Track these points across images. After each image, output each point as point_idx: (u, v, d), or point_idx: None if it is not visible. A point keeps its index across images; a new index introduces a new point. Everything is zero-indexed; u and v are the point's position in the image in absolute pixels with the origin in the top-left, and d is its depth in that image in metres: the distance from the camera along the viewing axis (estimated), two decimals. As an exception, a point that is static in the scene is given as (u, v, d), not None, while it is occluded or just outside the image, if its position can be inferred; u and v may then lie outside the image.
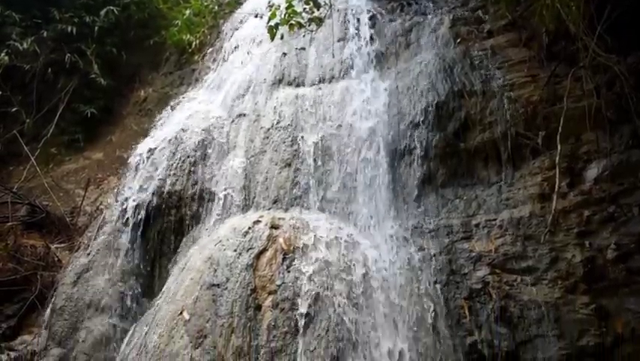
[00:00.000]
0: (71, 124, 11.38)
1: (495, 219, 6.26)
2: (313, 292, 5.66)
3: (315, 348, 5.38)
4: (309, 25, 7.24)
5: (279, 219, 6.41)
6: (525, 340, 5.67)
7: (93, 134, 11.47)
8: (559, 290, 5.75)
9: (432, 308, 5.81)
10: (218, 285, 5.83)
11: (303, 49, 8.73)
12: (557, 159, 6.08)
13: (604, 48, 6.11)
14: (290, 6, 7.12)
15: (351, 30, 8.65)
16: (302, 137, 7.27)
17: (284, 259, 5.97)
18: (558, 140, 6.12)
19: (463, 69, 7.17)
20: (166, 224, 7.32)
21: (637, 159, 5.97)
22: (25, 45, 10.79)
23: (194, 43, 11.33)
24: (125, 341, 6.76)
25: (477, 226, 6.29)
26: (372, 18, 8.85)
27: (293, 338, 5.45)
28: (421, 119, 6.87)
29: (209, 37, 11.34)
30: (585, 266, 5.75)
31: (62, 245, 8.67)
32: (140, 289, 7.16)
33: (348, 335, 5.50)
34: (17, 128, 10.74)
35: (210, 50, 10.87)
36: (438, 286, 5.98)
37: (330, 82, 8.14)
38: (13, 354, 7.05)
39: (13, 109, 10.76)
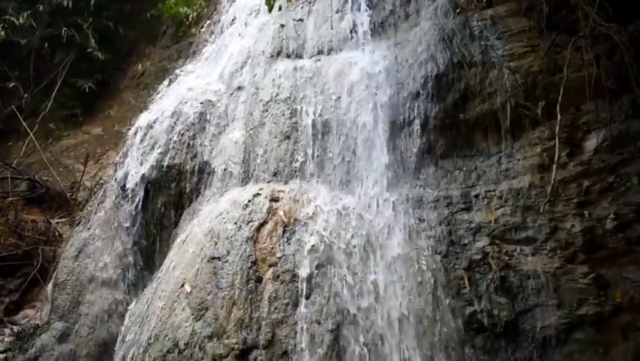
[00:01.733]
0: (69, 99, 11.35)
1: (494, 190, 6.26)
2: (314, 264, 5.70)
3: (315, 319, 5.42)
4: (307, -4, 7.19)
5: (279, 191, 6.42)
6: (524, 309, 5.71)
7: (91, 109, 11.45)
8: (558, 260, 5.77)
9: (432, 279, 5.85)
10: (219, 258, 5.86)
11: (302, 20, 8.66)
12: (557, 129, 6.05)
13: (604, 17, 6.05)
14: (288, -23, 7.06)
15: (350, 1, 8.56)
16: (301, 109, 7.24)
17: (284, 231, 5.99)
18: (558, 110, 6.08)
19: (463, 40, 7.10)
20: (166, 198, 7.32)
21: (637, 129, 5.95)
22: (21, 20, 10.72)
23: (191, 15, 11.25)
24: (128, 314, 6.83)
25: (476, 196, 6.30)
26: (370, -12, 8.77)
27: (294, 309, 5.49)
28: (421, 90, 6.82)
29: (206, 9, 11.25)
30: (584, 236, 5.76)
31: (63, 220, 8.70)
32: (141, 263, 7.20)
33: (348, 305, 5.54)
34: (15, 104, 10.72)
35: (208, 22, 10.78)
36: (438, 256, 6.00)
37: (328, 54, 8.09)
38: (16, 328, 7.10)
39: (11, 84, 10.74)
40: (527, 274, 5.79)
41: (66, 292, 7.17)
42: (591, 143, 6.11)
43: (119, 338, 6.63)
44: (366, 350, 5.41)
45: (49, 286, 7.47)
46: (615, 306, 5.52)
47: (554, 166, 5.94)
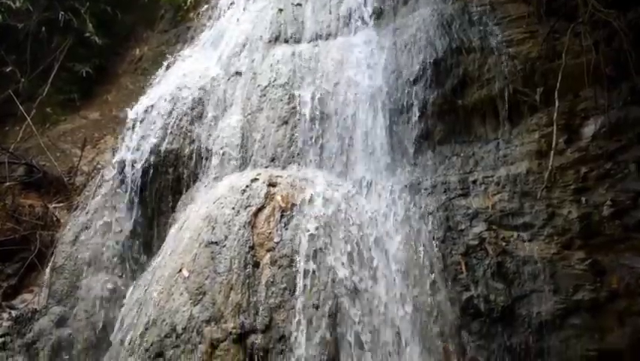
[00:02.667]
0: (67, 83, 11.30)
1: (492, 176, 6.27)
2: (311, 249, 5.70)
3: (313, 304, 5.44)
4: (306, -19, 7.16)
5: (277, 176, 6.42)
6: (521, 295, 5.74)
7: (89, 94, 11.40)
8: (555, 246, 5.79)
9: (429, 264, 5.87)
10: (216, 243, 5.86)
11: (300, 5, 8.63)
12: (555, 115, 6.05)
13: (603, 3, 6.04)
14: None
15: (348, -14, 8.53)
16: (299, 94, 7.23)
17: (282, 216, 5.99)
18: (556, 96, 6.08)
19: (462, 25, 7.08)
20: (163, 183, 7.32)
21: (635, 116, 5.95)
22: (17, 3, 10.61)
23: (189, 0, 11.19)
24: (126, 298, 6.84)
25: (474, 182, 6.31)
26: (369, -27, 8.72)
27: (291, 294, 5.50)
28: (419, 75, 6.82)
29: (204, -7, 11.20)
30: (581, 222, 5.78)
31: (60, 205, 8.68)
32: (139, 248, 7.22)
33: (345, 290, 5.56)
34: (12, 88, 10.64)
35: (206, 7, 10.73)
36: (435, 242, 6.02)
37: (327, 39, 8.07)
38: (14, 313, 7.10)
39: (8, 68, 10.66)
40: (524, 259, 5.82)
41: (64, 277, 7.17)
42: (589, 129, 6.11)
43: (117, 322, 6.65)
44: (363, 335, 5.43)
45: (47, 270, 7.48)
46: (611, 292, 5.55)
47: (552, 152, 5.95)
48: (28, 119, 10.09)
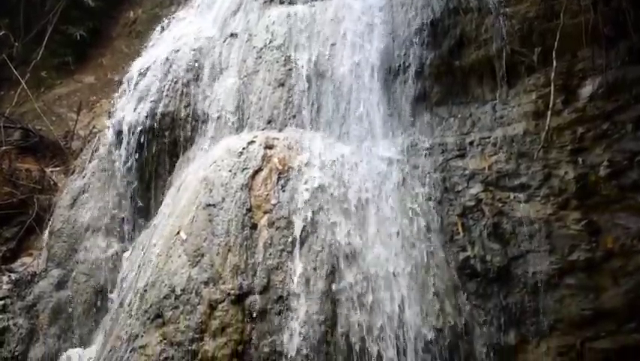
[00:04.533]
0: (61, 47, 11.22)
1: (489, 137, 6.26)
2: (308, 211, 5.73)
3: (310, 265, 5.48)
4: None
5: (274, 139, 6.40)
6: (517, 255, 5.78)
7: (83, 57, 11.34)
8: (551, 207, 5.81)
9: (425, 225, 5.90)
10: (214, 205, 5.87)
11: (296, -36, 8.51)
12: (552, 76, 6.02)
13: (602, -39, 5.98)
14: None
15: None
16: (295, 56, 7.17)
17: (279, 178, 5.99)
18: (554, 57, 6.03)
19: (459, -15, 7.00)
20: (160, 146, 7.31)
21: (633, 76, 5.91)
22: (10, -34, 10.51)
23: (183, -38, 11.04)
24: (124, 261, 6.88)
25: (471, 143, 6.30)
26: None
27: (289, 255, 5.54)
28: (416, 36, 6.76)
29: (198, -46, 11.02)
30: (577, 183, 5.79)
31: (57, 169, 8.69)
32: (136, 211, 7.24)
33: (342, 252, 5.59)
34: (6, 52, 10.57)
35: (200, -32, 10.58)
36: (432, 203, 6.05)
37: (323, -1, 7.98)
38: (13, 276, 7.16)
39: (1, 32, 10.56)
40: (520, 220, 5.85)
41: (62, 240, 7.21)
42: (586, 90, 6.08)
43: (116, 284, 6.70)
44: (360, 295, 5.47)
45: (46, 234, 7.52)
46: (606, 252, 5.58)
47: (549, 113, 5.93)
48: (23, 83, 10.03)
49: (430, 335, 5.46)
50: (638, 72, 5.84)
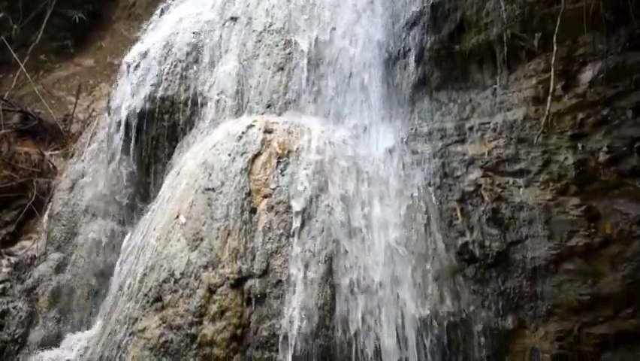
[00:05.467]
0: (60, 30, 11.18)
1: (489, 123, 6.25)
2: (307, 195, 5.73)
3: (309, 249, 5.49)
4: None
5: (273, 123, 6.39)
6: (516, 240, 5.80)
7: (83, 41, 11.31)
8: (550, 192, 5.82)
9: (424, 211, 5.90)
10: (213, 189, 5.88)
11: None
12: (553, 61, 5.98)
13: (604, -55, 5.94)
14: None
15: None
16: (295, 40, 7.14)
17: (278, 162, 5.99)
18: (554, 41, 6.00)
19: (460, -32, 6.96)
20: (159, 130, 7.31)
21: (633, 62, 5.88)
22: (9, -53, 10.44)
23: (183, -57, 10.95)
24: (123, 244, 6.90)
25: (471, 129, 6.29)
26: None
27: (288, 239, 5.55)
28: (416, 20, 6.72)
29: (198, -63, 10.93)
30: (577, 168, 5.78)
31: (56, 152, 8.70)
32: (135, 195, 7.25)
33: (342, 236, 5.60)
34: (5, 35, 10.52)
35: (200, -50, 10.50)
36: (431, 188, 6.05)
37: (323, -18, 7.92)
38: (13, 259, 7.17)
39: (0, 15, 10.50)
40: (519, 205, 5.85)
41: (62, 224, 7.23)
42: (587, 75, 6.05)
43: (116, 268, 6.72)
44: (359, 279, 5.49)
45: (45, 217, 7.53)
46: (605, 238, 5.59)
47: (549, 98, 5.90)
48: (22, 66, 10.00)
49: (429, 320, 5.48)
50: (638, 58, 5.80)
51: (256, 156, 6.06)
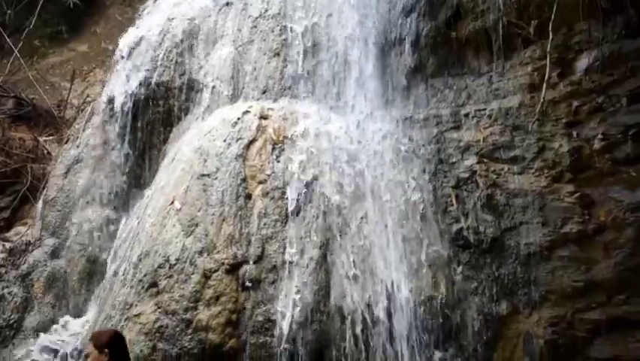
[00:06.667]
0: (54, 15, 11.11)
1: (484, 109, 6.25)
2: (303, 181, 5.74)
3: (304, 235, 5.50)
4: None
5: (268, 109, 6.39)
6: (510, 227, 5.82)
7: (77, 26, 11.23)
8: (545, 179, 5.83)
9: (420, 197, 5.92)
10: (208, 175, 5.88)
11: None
12: (549, 48, 5.98)
13: None
14: None
15: None
16: (291, 26, 7.11)
17: (273, 148, 6.00)
18: (550, 29, 6.00)
19: (457, -45, 6.93)
20: (154, 115, 7.29)
21: (629, 50, 5.88)
22: None
23: None
24: (119, 230, 6.89)
25: (466, 115, 6.29)
26: None
27: (283, 225, 5.56)
28: (413, 7, 6.70)
29: None
30: (571, 156, 5.80)
31: (51, 138, 8.66)
32: (130, 180, 7.23)
33: (336, 222, 5.62)
34: (-2, 21, 10.46)
35: None
36: (426, 175, 6.06)
37: (319, -32, 7.88)
38: (8, 245, 7.15)
39: (-7, 0, 10.45)
40: (514, 192, 5.88)
41: (56, 209, 7.21)
42: (582, 63, 6.05)
43: (111, 254, 6.72)
44: (353, 265, 5.51)
45: (40, 203, 7.50)
46: (599, 225, 5.62)
47: (544, 86, 5.90)
48: (16, 51, 9.92)
49: (423, 305, 5.51)
50: (633, 46, 5.81)
51: (251, 142, 6.05)
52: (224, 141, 6.07)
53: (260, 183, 5.79)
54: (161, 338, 5.19)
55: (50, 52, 10.78)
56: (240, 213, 5.62)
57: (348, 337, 5.25)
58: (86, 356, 3.84)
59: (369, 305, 5.38)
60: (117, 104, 7.36)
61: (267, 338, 5.13)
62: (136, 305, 5.44)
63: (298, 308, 5.18)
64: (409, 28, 6.68)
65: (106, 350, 3.98)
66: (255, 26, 7.30)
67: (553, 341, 5.56)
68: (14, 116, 8.89)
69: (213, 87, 7.07)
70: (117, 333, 4.33)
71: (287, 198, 5.66)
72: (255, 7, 7.47)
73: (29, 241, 7.15)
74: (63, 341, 6.20)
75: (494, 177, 5.96)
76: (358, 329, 5.28)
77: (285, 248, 5.44)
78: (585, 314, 5.56)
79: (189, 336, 5.17)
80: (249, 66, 7.05)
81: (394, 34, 6.77)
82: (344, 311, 5.30)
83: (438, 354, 5.47)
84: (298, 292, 5.23)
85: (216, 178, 5.85)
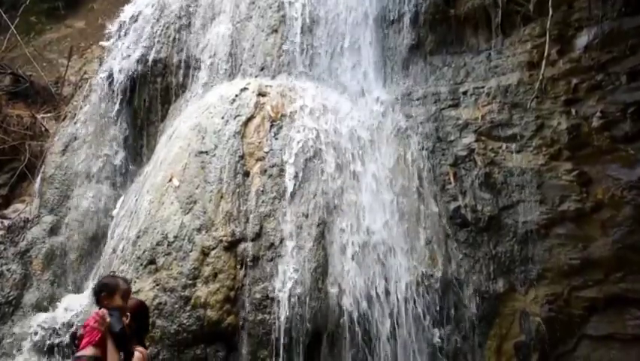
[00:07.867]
0: (51, -9, 11.01)
1: (483, 87, 6.24)
2: (301, 159, 5.73)
3: (302, 213, 5.50)
4: None
5: (267, 86, 6.36)
6: (508, 205, 5.85)
7: (74, 2, 11.16)
8: (543, 157, 5.84)
9: (417, 174, 5.92)
10: (206, 152, 5.87)
11: None
12: (548, 25, 5.94)
13: None
14: None
15: None
16: (289, 2, 7.06)
17: (271, 126, 5.98)
18: (550, 6, 5.95)
19: None
20: (152, 92, 7.27)
21: (628, 27, 5.85)
22: None
23: None
24: (117, 207, 6.89)
25: (465, 93, 6.28)
26: None
27: (281, 202, 5.56)
28: (412, -17, 6.67)
29: None
30: (570, 133, 5.80)
31: (48, 115, 8.62)
32: (128, 158, 7.21)
33: (335, 199, 5.62)
34: (-6, -3, 10.38)
35: None
36: (424, 152, 6.06)
37: (317, -57, 7.81)
38: (6, 222, 7.14)
39: (-12, -25, 10.36)
40: (512, 170, 5.89)
41: (54, 187, 7.19)
42: (582, 40, 6.02)
43: (109, 231, 6.72)
44: (352, 243, 5.53)
45: (38, 180, 7.48)
46: (596, 202, 5.64)
47: (543, 63, 5.87)
48: (12, 27, 9.86)
49: (421, 283, 5.54)
50: (633, 23, 5.78)
51: (249, 119, 6.03)
52: (222, 118, 6.05)
53: (258, 160, 5.78)
54: (159, 315, 5.21)
55: (47, 28, 10.71)
56: (238, 190, 5.62)
57: (345, 315, 5.28)
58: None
59: (366, 283, 5.41)
60: (115, 81, 7.33)
61: (265, 316, 5.15)
62: (134, 282, 5.44)
63: (296, 286, 5.20)
64: (407, 5, 6.64)
65: (128, 313, 4.00)
66: (253, 2, 7.24)
67: (550, 318, 5.60)
68: (11, 93, 8.84)
69: (211, 64, 7.03)
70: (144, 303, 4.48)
71: (285, 176, 5.66)
72: (253, -17, 7.42)
73: (27, 218, 7.13)
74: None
75: (492, 155, 5.96)
76: (356, 307, 5.31)
77: (283, 226, 5.45)
78: (582, 292, 5.60)
79: (188, 313, 5.18)
80: (246, 43, 7.01)
81: (393, 11, 6.73)
82: (342, 289, 5.32)
83: (435, 331, 5.51)
84: (296, 269, 5.25)
85: (214, 155, 5.83)
